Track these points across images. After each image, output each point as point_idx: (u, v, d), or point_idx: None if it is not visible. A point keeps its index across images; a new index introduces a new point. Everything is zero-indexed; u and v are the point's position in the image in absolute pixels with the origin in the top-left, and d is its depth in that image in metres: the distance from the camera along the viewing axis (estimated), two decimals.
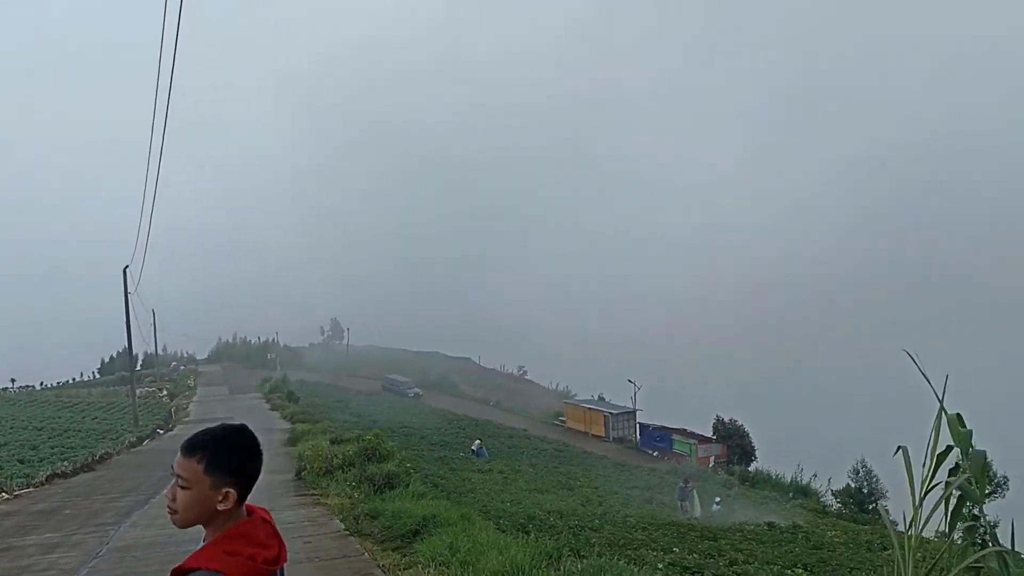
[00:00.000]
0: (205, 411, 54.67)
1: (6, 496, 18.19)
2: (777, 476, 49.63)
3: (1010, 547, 2.96)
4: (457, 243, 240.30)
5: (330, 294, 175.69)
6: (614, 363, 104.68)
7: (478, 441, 46.96)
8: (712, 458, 54.04)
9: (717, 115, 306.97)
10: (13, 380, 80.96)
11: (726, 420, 57.38)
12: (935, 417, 3.04)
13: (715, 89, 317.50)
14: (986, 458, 3.09)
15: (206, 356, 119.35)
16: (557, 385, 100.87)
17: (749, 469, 52.87)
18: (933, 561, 3.13)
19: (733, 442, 55.70)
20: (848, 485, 44.70)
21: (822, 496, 46.13)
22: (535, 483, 34.54)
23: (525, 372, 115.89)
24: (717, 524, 26.83)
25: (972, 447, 3.13)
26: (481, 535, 9.18)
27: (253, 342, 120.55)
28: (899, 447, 3.20)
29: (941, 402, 3.08)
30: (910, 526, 3.02)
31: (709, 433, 57.16)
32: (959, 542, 3.16)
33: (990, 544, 3.06)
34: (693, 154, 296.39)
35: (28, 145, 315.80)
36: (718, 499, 36.49)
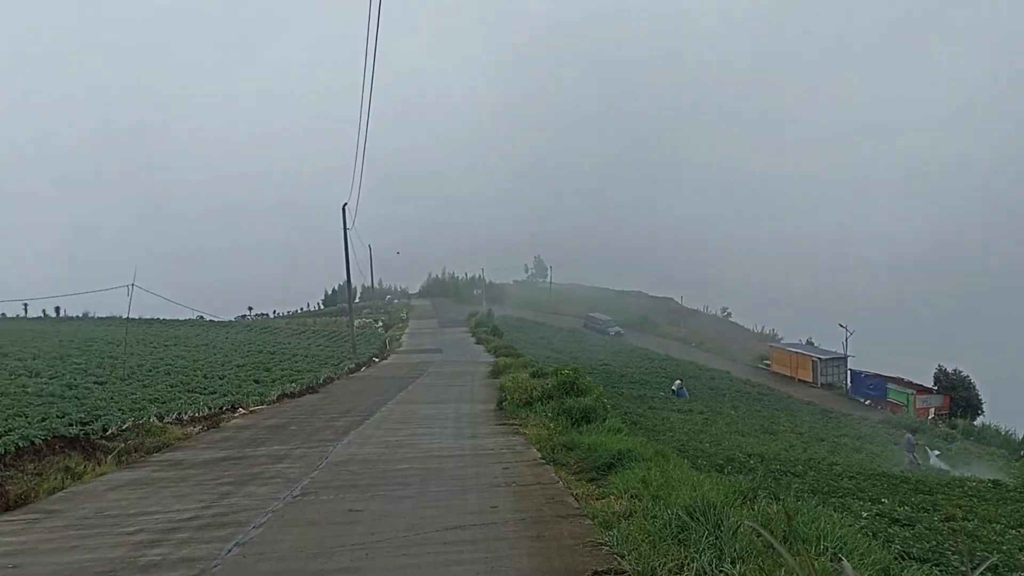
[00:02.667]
0: (416, 343, 57.87)
1: (243, 411, 20.19)
2: (1007, 432, 45.66)
3: None
4: (665, 185, 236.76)
5: (534, 232, 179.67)
6: (824, 307, 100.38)
7: (678, 381, 46.67)
8: (932, 410, 50.59)
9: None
10: (250, 308, 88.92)
11: (949, 370, 53.35)
12: None
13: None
14: None
15: (417, 291, 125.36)
16: (762, 328, 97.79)
17: (974, 423, 49.07)
18: None
19: (956, 394, 51.80)
20: None
21: None
22: (736, 426, 33.92)
23: (729, 314, 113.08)
24: (933, 478, 25.21)
25: None
26: (675, 471, 9.14)
27: (461, 278, 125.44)
28: None
29: None
30: None
31: (929, 383, 53.47)
32: None
33: None
34: (907, 93, 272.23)
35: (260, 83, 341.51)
36: (937, 452, 34.27)
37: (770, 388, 55.45)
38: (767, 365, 69.21)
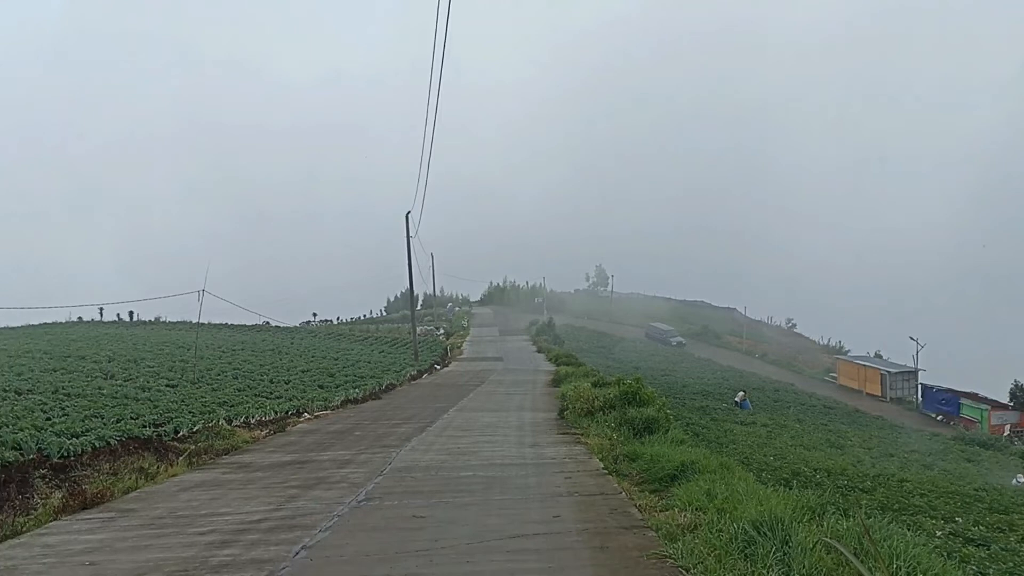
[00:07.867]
0: (477, 350, 58.09)
1: (308, 416, 20.57)
2: None
3: None
4: (727, 194, 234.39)
5: (595, 242, 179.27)
6: (893, 320, 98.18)
7: (741, 393, 45.93)
8: (1008, 427, 48.77)
9: None
10: (315, 314, 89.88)
11: None
12: None
13: None
14: None
15: (479, 298, 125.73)
16: (828, 340, 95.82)
17: None
18: None
19: None
20: None
21: None
22: (801, 439, 33.23)
23: (794, 325, 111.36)
24: (1009, 497, 24.32)
25: None
26: (739, 484, 8.97)
27: (521, 286, 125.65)
28: None
29: None
30: None
31: (1005, 399, 51.54)
32: None
33: None
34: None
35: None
36: (1021, 476, 33.01)
37: (837, 401, 54.19)
38: (834, 378, 67.83)
